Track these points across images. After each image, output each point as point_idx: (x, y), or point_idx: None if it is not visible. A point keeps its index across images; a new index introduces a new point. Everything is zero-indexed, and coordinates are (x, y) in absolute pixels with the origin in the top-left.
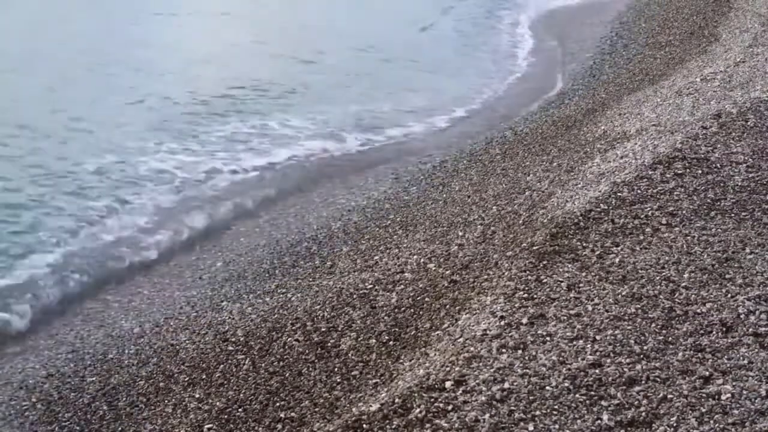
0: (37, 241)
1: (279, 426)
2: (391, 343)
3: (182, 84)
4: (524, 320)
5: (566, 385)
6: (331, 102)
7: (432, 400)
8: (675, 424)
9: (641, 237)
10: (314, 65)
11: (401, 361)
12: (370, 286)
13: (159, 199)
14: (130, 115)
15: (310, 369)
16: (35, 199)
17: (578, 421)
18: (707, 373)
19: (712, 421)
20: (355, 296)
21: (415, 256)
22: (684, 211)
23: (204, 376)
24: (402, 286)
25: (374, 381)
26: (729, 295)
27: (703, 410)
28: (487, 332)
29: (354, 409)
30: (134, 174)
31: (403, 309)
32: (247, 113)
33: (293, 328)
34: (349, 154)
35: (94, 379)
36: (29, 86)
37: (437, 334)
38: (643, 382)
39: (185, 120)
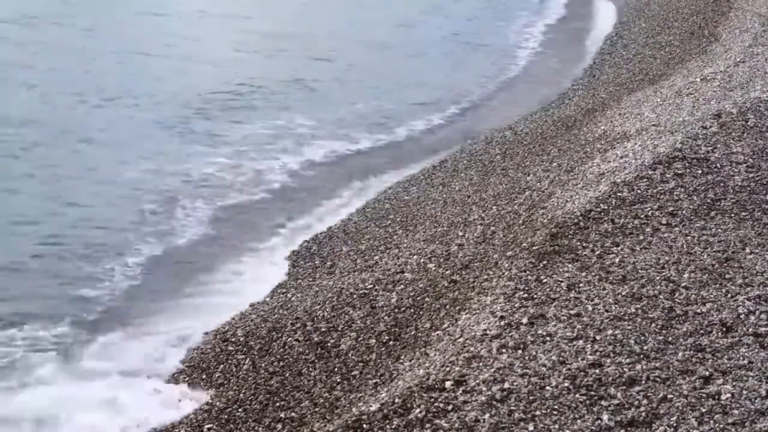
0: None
1: (279, 426)
2: (391, 343)
3: (187, 84)
4: (524, 320)
5: (566, 385)
6: (339, 100)
7: (432, 400)
8: (675, 424)
9: (641, 237)
10: (317, 64)
11: (401, 361)
12: (370, 286)
13: (208, 204)
14: (145, 117)
15: (310, 369)
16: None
17: (578, 421)
18: (707, 373)
19: (712, 421)
20: (355, 296)
21: (415, 256)
22: (684, 211)
23: (204, 376)
24: (402, 286)
25: (374, 381)
26: (729, 295)
27: (703, 410)
28: (487, 332)
29: (354, 409)
30: (171, 180)
31: (403, 309)
32: (258, 113)
33: (293, 328)
34: (362, 153)
35: None
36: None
37: (437, 334)
38: (643, 382)
39: (199, 120)
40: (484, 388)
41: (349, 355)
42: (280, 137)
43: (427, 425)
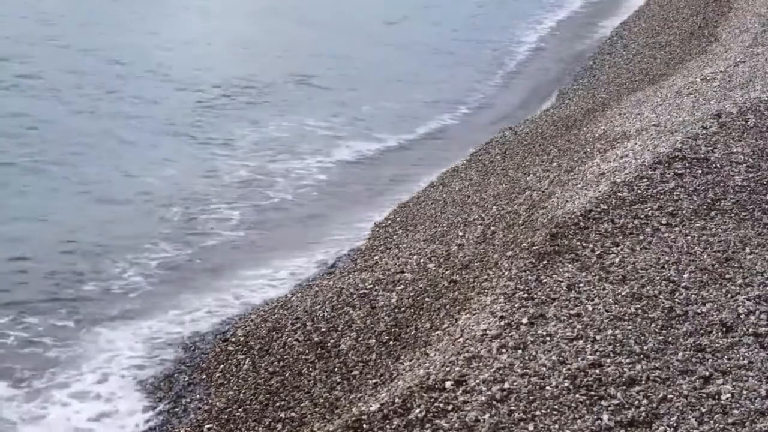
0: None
1: (279, 426)
2: (391, 343)
3: (190, 84)
4: (524, 320)
5: (566, 385)
6: (347, 100)
7: (432, 400)
8: (675, 424)
9: (641, 237)
10: (320, 63)
11: (401, 361)
12: (370, 286)
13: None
14: (152, 117)
15: (310, 369)
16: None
17: (578, 421)
18: (707, 373)
19: (712, 421)
20: (355, 296)
21: (415, 256)
22: (684, 211)
23: (204, 376)
24: (402, 286)
25: (374, 381)
26: (729, 295)
27: (703, 410)
28: (487, 332)
29: (354, 409)
30: (200, 183)
31: (403, 309)
32: (271, 112)
33: (293, 328)
34: (389, 152)
35: None
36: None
37: (437, 334)
38: (643, 382)
39: (214, 121)
40: (484, 388)
41: (349, 355)
42: (300, 138)
43: (427, 425)
